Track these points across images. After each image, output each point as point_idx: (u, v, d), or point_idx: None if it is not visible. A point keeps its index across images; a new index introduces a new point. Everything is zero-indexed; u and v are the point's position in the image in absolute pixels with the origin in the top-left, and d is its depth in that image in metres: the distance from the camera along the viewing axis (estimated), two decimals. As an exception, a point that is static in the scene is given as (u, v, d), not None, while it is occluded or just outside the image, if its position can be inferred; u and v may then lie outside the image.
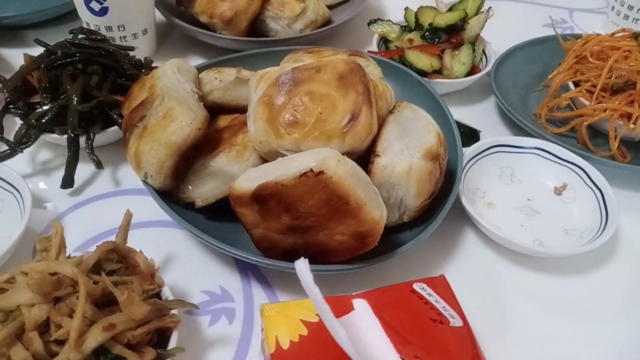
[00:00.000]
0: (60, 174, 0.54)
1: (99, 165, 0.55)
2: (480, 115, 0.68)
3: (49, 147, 0.59)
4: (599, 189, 0.55)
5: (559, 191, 0.58)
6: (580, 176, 0.57)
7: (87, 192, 0.55)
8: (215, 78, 0.51)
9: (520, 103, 0.68)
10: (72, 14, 0.73)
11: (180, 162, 0.46)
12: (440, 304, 0.40)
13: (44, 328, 0.36)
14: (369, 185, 0.42)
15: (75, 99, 0.54)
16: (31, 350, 0.35)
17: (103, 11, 0.64)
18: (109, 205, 0.54)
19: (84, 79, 0.55)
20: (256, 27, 0.74)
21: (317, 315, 0.36)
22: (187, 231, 0.47)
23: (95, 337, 0.35)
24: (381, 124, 0.48)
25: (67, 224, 0.51)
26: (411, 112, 0.50)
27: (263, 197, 0.41)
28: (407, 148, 0.46)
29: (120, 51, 0.59)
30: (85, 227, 0.51)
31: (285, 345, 0.36)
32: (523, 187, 0.59)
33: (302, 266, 0.31)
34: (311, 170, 0.39)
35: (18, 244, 0.46)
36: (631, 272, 0.51)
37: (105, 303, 0.37)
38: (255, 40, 0.71)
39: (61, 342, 0.35)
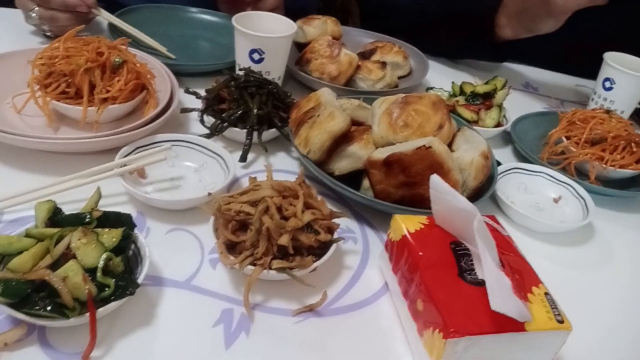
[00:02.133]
0: (237, 154, 0.83)
1: (265, 149, 0.84)
2: (500, 155, 0.99)
3: (225, 140, 0.88)
4: (583, 198, 0.85)
5: (556, 200, 0.88)
6: (570, 191, 0.88)
7: (253, 167, 0.84)
8: (349, 102, 0.83)
9: (529, 150, 1.00)
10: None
11: (333, 144, 0.76)
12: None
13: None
14: (453, 161, 0.72)
15: (255, 107, 0.85)
16: (273, 219, 0.62)
17: (260, 60, 0.96)
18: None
19: (258, 97, 0.87)
20: (349, 84, 1.07)
21: (426, 221, 0.64)
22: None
23: (307, 215, 0.63)
24: (453, 135, 0.79)
25: (243, 183, 0.80)
26: (470, 132, 0.81)
27: (389, 162, 0.71)
28: (470, 149, 0.77)
29: (277, 84, 0.90)
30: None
31: (411, 230, 0.63)
32: (533, 196, 0.89)
33: (436, 179, 0.61)
34: (424, 145, 0.69)
35: (226, 186, 0.74)
36: (600, 243, 0.81)
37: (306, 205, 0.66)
38: (349, 90, 1.03)
39: (286, 219, 0.63)
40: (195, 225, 0.70)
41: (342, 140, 0.77)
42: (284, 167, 0.84)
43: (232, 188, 0.75)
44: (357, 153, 0.77)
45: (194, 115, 0.90)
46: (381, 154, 0.72)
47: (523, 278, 0.59)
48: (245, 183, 0.79)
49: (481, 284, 0.57)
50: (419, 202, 0.72)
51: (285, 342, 0.58)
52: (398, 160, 0.70)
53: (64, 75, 0.77)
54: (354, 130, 0.80)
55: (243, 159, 0.83)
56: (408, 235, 0.63)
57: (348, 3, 1.84)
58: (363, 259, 0.71)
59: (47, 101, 0.77)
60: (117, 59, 0.79)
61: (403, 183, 0.72)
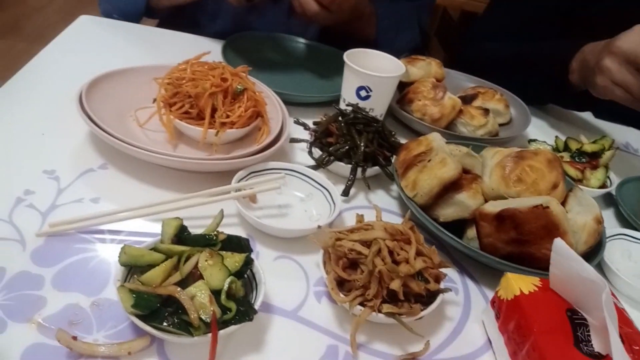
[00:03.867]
0: (339, 188, 0.84)
1: (368, 186, 0.85)
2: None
3: (328, 173, 0.90)
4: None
5: (665, 273, 0.84)
6: (680, 265, 0.83)
7: (353, 202, 0.85)
8: (457, 150, 0.83)
9: (634, 215, 0.95)
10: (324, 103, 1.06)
11: (441, 191, 0.76)
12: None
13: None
14: (569, 223, 0.70)
15: (362, 144, 0.86)
16: (385, 262, 0.62)
17: (367, 97, 0.98)
18: (367, 213, 0.83)
19: (365, 134, 0.88)
20: (449, 127, 1.06)
21: (540, 283, 0.63)
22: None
23: (419, 263, 0.62)
24: (565, 196, 0.77)
25: (344, 216, 0.81)
26: (581, 193, 0.79)
27: (502, 217, 0.70)
28: (583, 212, 0.75)
29: (385, 125, 0.91)
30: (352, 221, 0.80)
31: (525, 291, 0.62)
32: (637, 264, 0.85)
33: (561, 243, 0.59)
34: (541, 204, 0.68)
35: (333, 219, 0.75)
36: None
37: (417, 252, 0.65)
38: (450, 133, 1.03)
39: (396, 262, 0.63)
40: (302, 255, 0.71)
41: (450, 187, 0.77)
42: (383, 206, 0.84)
43: (334, 222, 0.75)
44: (465, 202, 0.76)
45: (300, 145, 0.92)
46: (494, 207, 0.71)
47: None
48: (346, 217, 0.80)
49: (597, 357, 0.55)
50: (528, 261, 0.70)
51: (389, 388, 0.57)
52: (512, 216, 0.69)
53: (188, 97, 0.81)
54: (463, 178, 0.79)
55: (346, 193, 0.84)
56: (521, 297, 0.61)
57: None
58: (465, 311, 0.69)
59: (170, 119, 0.81)
60: (239, 87, 0.83)
61: (513, 240, 0.70)
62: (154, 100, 0.83)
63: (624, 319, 0.61)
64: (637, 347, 0.57)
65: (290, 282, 0.67)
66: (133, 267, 0.57)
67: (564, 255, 0.59)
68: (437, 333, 0.65)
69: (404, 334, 0.62)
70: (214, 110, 0.81)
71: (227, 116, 0.80)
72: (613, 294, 0.65)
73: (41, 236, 0.64)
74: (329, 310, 0.64)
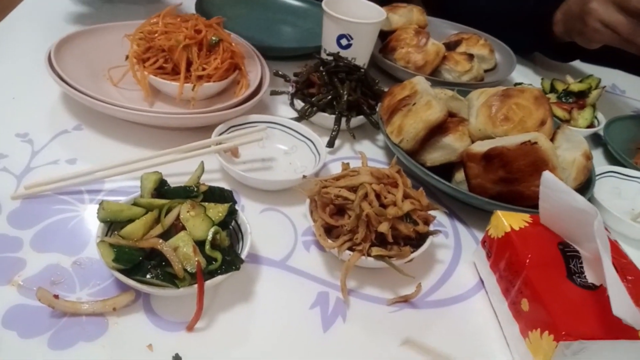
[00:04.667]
0: (324, 140, 0.82)
1: (354, 136, 0.83)
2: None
3: (311, 125, 0.88)
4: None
5: (655, 206, 0.83)
6: (669, 199, 0.83)
7: (339, 153, 0.83)
8: (443, 93, 0.80)
9: (622, 154, 0.95)
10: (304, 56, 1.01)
11: (427, 134, 0.74)
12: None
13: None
14: (557, 158, 0.69)
15: (345, 93, 0.83)
16: (372, 206, 0.61)
17: (348, 46, 0.95)
18: (353, 163, 0.81)
19: (348, 83, 0.85)
20: (434, 74, 1.04)
21: (530, 219, 0.62)
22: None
23: (406, 205, 0.61)
24: (554, 133, 0.76)
25: (331, 168, 0.79)
26: (569, 130, 0.78)
27: (490, 156, 0.68)
28: (572, 148, 0.73)
29: (368, 73, 0.89)
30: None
31: (515, 228, 0.61)
32: (627, 201, 0.84)
33: (549, 175, 0.58)
34: (529, 141, 0.66)
35: (319, 169, 0.73)
36: None
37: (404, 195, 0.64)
38: (436, 80, 1.01)
39: (384, 206, 0.62)
40: (288, 207, 0.69)
41: (436, 130, 0.75)
42: (370, 156, 0.83)
43: (320, 173, 0.74)
44: (452, 145, 0.75)
45: (282, 98, 0.90)
46: (481, 147, 0.70)
47: (637, 284, 0.56)
48: (332, 168, 0.78)
49: (591, 287, 0.55)
50: (517, 200, 0.69)
51: (382, 330, 0.56)
52: (500, 154, 0.68)
53: (162, 51, 0.78)
54: (449, 121, 0.77)
55: (331, 144, 0.82)
56: (512, 233, 0.60)
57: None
58: (455, 254, 0.69)
59: (144, 75, 0.78)
60: (213, 38, 0.79)
61: (502, 179, 0.69)
62: (127, 57, 0.80)
63: (617, 251, 0.61)
64: (631, 277, 0.57)
65: (277, 233, 0.65)
66: (114, 224, 0.55)
67: (553, 188, 0.58)
68: (429, 276, 0.65)
69: (395, 278, 0.61)
70: (189, 64, 0.78)
71: (204, 69, 0.77)
72: (606, 228, 0.65)
73: (17, 199, 0.62)
74: (318, 259, 0.63)
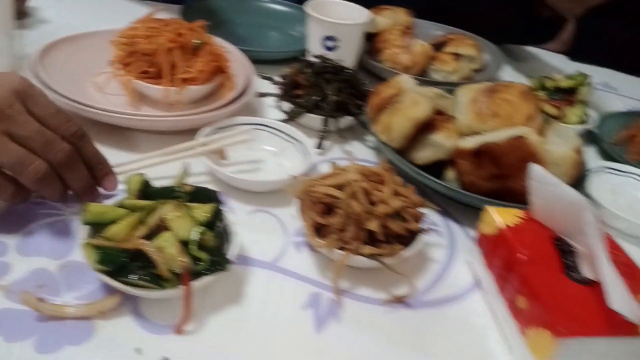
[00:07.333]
0: (314, 140, 0.81)
1: (343, 136, 0.82)
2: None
3: (299, 127, 0.86)
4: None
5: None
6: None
7: (328, 155, 0.82)
8: (429, 90, 0.80)
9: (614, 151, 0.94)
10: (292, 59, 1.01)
11: (415, 132, 0.73)
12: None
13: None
14: (547, 153, 0.68)
15: (331, 93, 0.83)
16: (362, 204, 0.60)
17: (333, 48, 0.94)
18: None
19: (334, 83, 0.85)
20: (422, 75, 1.04)
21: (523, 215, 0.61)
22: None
23: (396, 202, 0.60)
24: (544, 128, 0.76)
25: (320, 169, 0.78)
26: (560, 125, 0.77)
27: (480, 152, 0.68)
28: (563, 143, 0.73)
29: (353, 71, 0.88)
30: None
31: (510, 224, 0.60)
32: (621, 197, 0.84)
33: (538, 168, 0.57)
34: (518, 135, 0.66)
35: (308, 170, 0.72)
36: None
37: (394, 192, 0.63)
38: (424, 80, 1.00)
39: (373, 204, 0.61)
40: (277, 208, 0.68)
41: (424, 128, 0.74)
42: (361, 156, 0.82)
43: (310, 174, 0.72)
44: (441, 142, 0.74)
45: (269, 101, 0.89)
46: (470, 143, 0.69)
47: (634, 278, 0.55)
48: (322, 170, 0.77)
49: (589, 283, 0.54)
50: (511, 197, 0.68)
51: (377, 331, 0.55)
52: (489, 150, 0.67)
53: (145, 55, 0.77)
54: (436, 119, 0.77)
55: (320, 145, 0.81)
56: (505, 230, 0.59)
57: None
58: (449, 253, 0.68)
59: (129, 80, 0.77)
60: (196, 41, 0.79)
61: (494, 175, 0.68)
62: (111, 62, 0.79)
63: (613, 245, 0.59)
64: (629, 271, 0.55)
65: (267, 235, 0.64)
66: (98, 226, 0.53)
67: (541, 181, 0.57)
68: (424, 275, 0.63)
69: (390, 279, 0.60)
70: (173, 67, 0.77)
71: (188, 72, 0.76)
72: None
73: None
74: (309, 259, 0.62)
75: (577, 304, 0.51)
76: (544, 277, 0.54)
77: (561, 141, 0.73)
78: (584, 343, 0.49)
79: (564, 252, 0.57)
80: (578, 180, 0.74)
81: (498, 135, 0.68)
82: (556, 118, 0.94)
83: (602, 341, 0.49)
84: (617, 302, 0.47)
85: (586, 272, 0.55)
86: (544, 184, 0.57)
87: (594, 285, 0.53)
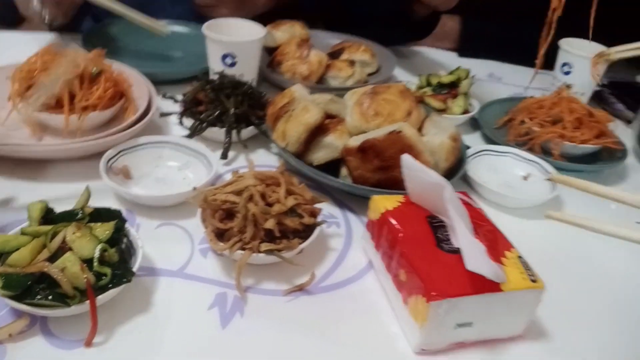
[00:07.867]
0: (218, 153, 0.86)
1: (245, 146, 0.88)
2: (470, 140, 1.04)
3: (205, 141, 0.91)
4: (550, 174, 0.91)
5: (525, 178, 0.93)
6: (538, 168, 0.93)
7: (234, 164, 0.87)
8: (321, 97, 0.87)
9: (497, 134, 1.05)
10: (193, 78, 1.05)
11: (309, 136, 0.80)
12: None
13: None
14: (424, 144, 0.76)
15: (231, 106, 0.88)
16: (258, 206, 0.65)
17: (233, 64, 1.00)
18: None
19: (234, 97, 0.90)
20: (321, 83, 1.11)
21: (403, 199, 0.68)
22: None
23: (290, 201, 0.66)
24: (422, 121, 0.84)
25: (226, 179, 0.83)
26: (438, 117, 0.86)
27: (364, 148, 0.75)
28: (439, 133, 0.81)
29: (254, 87, 0.94)
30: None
31: (390, 208, 0.67)
32: (503, 175, 0.93)
33: (407, 157, 0.65)
34: (394, 130, 0.73)
35: (210, 180, 0.77)
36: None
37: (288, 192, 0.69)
38: (322, 87, 1.07)
39: (270, 205, 0.66)
40: (183, 220, 0.72)
41: (317, 131, 0.81)
42: (265, 163, 0.87)
43: (215, 184, 0.77)
44: (334, 143, 0.81)
45: (173, 119, 0.93)
46: (356, 141, 0.76)
47: (497, 243, 0.64)
48: (227, 179, 0.82)
49: (457, 251, 0.61)
50: (395, 185, 0.75)
51: (279, 319, 0.61)
52: (372, 146, 0.74)
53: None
54: (329, 122, 0.83)
55: (224, 156, 0.86)
56: (387, 213, 0.66)
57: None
58: (346, 241, 0.74)
59: (29, 112, 0.79)
60: (94, 69, 0.82)
61: (378, 167, 0.75)
62: (9, 97, 0.81)
63: (479, 217, 0.68)
64: (492, 238, 0.64)
65: (174, 245, 0.68)
66: (3, 255, 0.56)
67: (412, 168, 0.65)
68: (322, 264, 0.70)
69: (291, 271, 0.66)
70: (72, 97, 0.80)
71: (87, 100, 0.80)
72: (468, 196, 0.72)
73: None
74: (215, 263, 0.67)
75: (447, 271, 0.58)
76: (419, 251, 0.61)
77: (438, 131, 0.82)
78: (452, 303, 0.56)
79: (436, 228, 0.64)
80: (457, 164, 0.83)
81: (379, 132, 0.75)
82: (442, 110, 1.04)
83: (469, 299, 0.57)
84: (471, 263, 0.54)
85: (455, 242, 0.62)
86: (414, 171, 0.65)
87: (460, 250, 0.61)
